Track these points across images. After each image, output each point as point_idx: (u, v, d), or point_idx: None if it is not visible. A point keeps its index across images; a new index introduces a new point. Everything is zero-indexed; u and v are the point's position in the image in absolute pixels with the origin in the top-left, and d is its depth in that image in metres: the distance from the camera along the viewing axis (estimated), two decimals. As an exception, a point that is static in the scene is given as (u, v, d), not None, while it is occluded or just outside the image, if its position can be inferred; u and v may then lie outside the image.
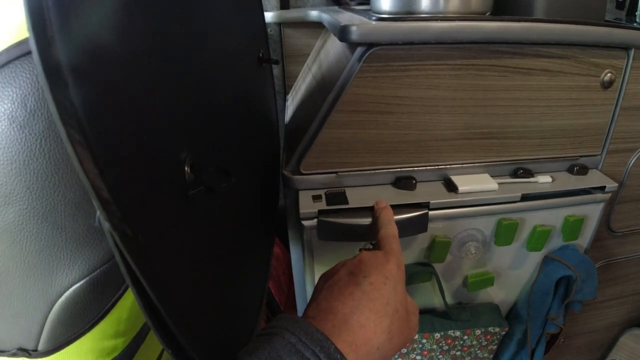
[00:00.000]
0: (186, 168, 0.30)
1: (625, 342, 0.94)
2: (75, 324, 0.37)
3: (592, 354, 0.96)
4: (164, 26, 0.30)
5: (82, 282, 0.35)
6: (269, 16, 0.82)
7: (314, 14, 0.75)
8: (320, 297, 0.37)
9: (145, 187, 0.25)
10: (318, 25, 0.82)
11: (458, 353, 0.67)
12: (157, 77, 0.28)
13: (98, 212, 0.22)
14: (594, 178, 0.63)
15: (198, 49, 0.39)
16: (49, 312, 0.35)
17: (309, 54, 0.84)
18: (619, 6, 1.06)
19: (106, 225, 0.22)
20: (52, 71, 0.18)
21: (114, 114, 0.23)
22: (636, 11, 0.90)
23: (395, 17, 0.55)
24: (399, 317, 0.36)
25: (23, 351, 0.37)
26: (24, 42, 0.28)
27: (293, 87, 0.88)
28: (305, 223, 0.55)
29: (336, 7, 0.80)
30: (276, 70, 0.88)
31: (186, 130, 0.32)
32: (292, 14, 0.83)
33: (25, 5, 0.18)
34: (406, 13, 0.60)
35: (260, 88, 0.67)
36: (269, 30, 0.85)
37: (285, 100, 0.88)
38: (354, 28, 0.49)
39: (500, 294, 0.69)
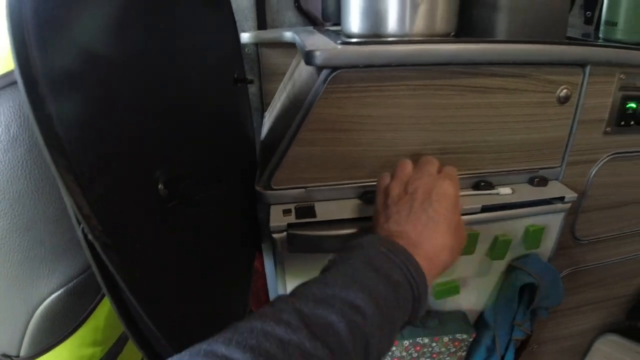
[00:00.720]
0: (160, 185, 0.33)
1: (599, 348, 0.96)
2: (55, 331, 0.40)
3: (567, 360, 0.99)
4: (140, 54, 0.34)
5: (60, 292, 0.38)
6: (246, 36, 0.85)
7: (288, 35, 0.78)
8: (391, 221, 0.45)
9: (124, 202, 0.28)
10: (293, 45, 0.85)
11: (428, 360, 0.69)
12: (134, 103, 0.32)
13: (81, 225, 0.25)
14: (554, 189, 0.67)
15: (174, 73, 0.42)
16: (30, 320, 0.38)
17: (285, 73, 0.87)
18: (587, 21, 1.10)
19: (89, 237, 0.25)
20: (37, 105, 0.22)
21: (94, 140, 0.26)
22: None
23: (360, 40, 0.58)
24: (458, 233, 0.45)
25: (6, 357, 0.40)
26: (9, 73, 0.31)
27: (270, 105, 0.92)
28: (276, 236, 0.58)
29: (311, 28, 0.84)
30: (254, 88, 0.91)
31: (161, 150, 0.35)
32: (268, 34, 0.86)
33: (10, 44, 0.21)
34: (373, 35, 0.63)
35: (236, 106, 0.70)
36: (246, 50, 0.88)
37: (262, 117, 0.91)
38: (317, 53, 0.53)
39: (469, 302, 0.72)
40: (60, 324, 0.40)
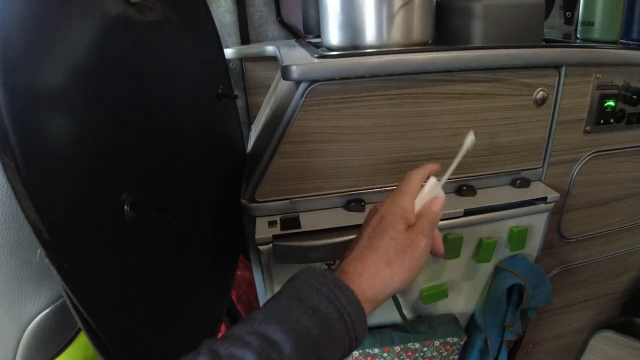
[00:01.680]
0: (126, 207, 0.34)
1: (595, 345, 0.96)
2: (46, 348, 0.40)
3: (564, 359, 0.99)
4: (109, 76, 0.34)
5: (48, 310, 0.39)
6: (230, 52, 0.87)
7: (270, 49, 0.80)
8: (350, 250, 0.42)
9: (86, 225, 0.29)
10: (276, 58, 0.87)
11: (420, 365, 0.69)
12: (100, 127, 0.32)
13: (39, 250, 0.25)
14: (537, 190, 0.67)
15: (146, 94, 0.43)
16: (20, 338, 0.38)
17: (270, 85, 0.89)
18: (568, 22, 1.12)
19: (45, 261, 0.25)
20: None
21: (54, 169, 0.26)
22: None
23: (336, 54, 0.60)
24: (407, 254, 0.39)
25: (0, 376, 0.41)
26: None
27: (256, 118, 0.93)
28: (262, 248, 0.59)
29: (293, 41, 0.85)
30: (240, 102, 0.93)
31: (129, 173, 0.36)
32: (251, 49, 0.88)
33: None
34: (352, 47, 0.65)
35: (221, 121, 0.71)
36: (230, 65, 0.90)
37: (250, 130, 0.93)
38: (294, 68, 0.54)
39: (459, 305, 0.72)
40: (51, 341, 0.41)
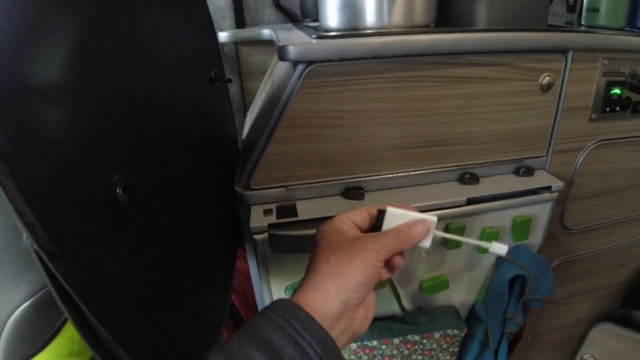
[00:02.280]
0: (118, 190, 0.31)
1: (594, 337, 0.96)
2: (29, 342, 0.38)
3: (563, 350, 0.98)
4: (94, 54, 0.32)
5: (28, 302, 0.37)
6: (224, 35, 0.84)
7: (266, 32, 0.77)
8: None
9: (75, 209, 0.27)
10: (273, 43, 0.84)
11: (419, 357, 0.68)
12: (89, 104, 0.30)
13: (24, 234, 0.23)
14: (541, 179, 0.66)
15: (138, 75, 0.40)
16: (1, 331, 0.37)
17: (266, 71, 0.86)
18: (570, 9, 1.10)
19: (33, 246, 0.23)
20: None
21: (37, 145, 0.24)
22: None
23: (335, 34, 0.57)
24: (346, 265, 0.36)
25: (-18, 371, 0.39)
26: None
27: (252, 104, 0.90)
28: (257, 237, 0.57)
29: (290, 25, 0.83)
30: (235, 87, 0.90)
31: (121, 153, 0.34)
32: (247, 33, 0.85)
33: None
34: (351, 29, 0.62)
35: (214, 106, 0.69)
36: (225, 49, 0.87)
37: (245, 117, 0.90)
38: (290, 47, 0.51)
39: (459, 297, 0.71)
40: (34, 335, 0.40)
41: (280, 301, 0.34)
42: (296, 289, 0.37)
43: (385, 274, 0.41)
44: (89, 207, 0.28)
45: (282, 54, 0.52)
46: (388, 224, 0.40)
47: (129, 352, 0.28)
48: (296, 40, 0.55)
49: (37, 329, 0.39)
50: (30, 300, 0.37)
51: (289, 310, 0.33)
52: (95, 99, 0.31)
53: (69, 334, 0.43)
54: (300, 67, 0.53)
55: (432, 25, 0.65)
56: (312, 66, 0.53)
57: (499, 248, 0.40)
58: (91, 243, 0.27)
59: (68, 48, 0.28)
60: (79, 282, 0.25)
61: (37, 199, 0.23)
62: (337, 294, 0.35)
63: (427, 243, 0.40)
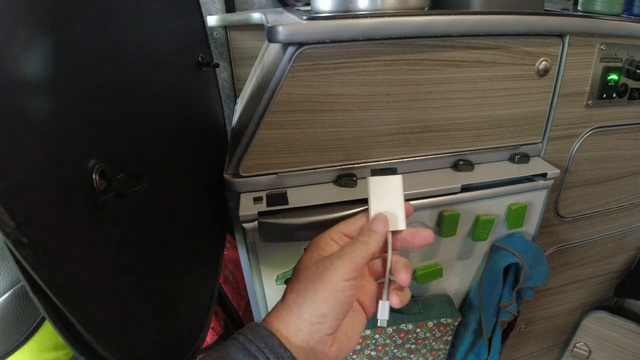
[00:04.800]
0: (94, 176, 0.29)
1: (587, 325, 0.96)
2: (11, 335, 0.37)
3: (556, 339, 0.98)
4: (70, 34, 0.30)
5: (7, 295, 0.36)
6: (213, 19, 0.81)
7: (256, 16, 0.75)
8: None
9: (46, 195, 0.25)
10: (263, 27, 0.82)
11: (413, 346, 0.67)
12: (60, 84, 0.28)
13: None
14: (536, 166, 0.64)
15: (115, 57, 0.38)
16: None
17: (256, 57, 0.84)
18: (566, -4, 1.08)
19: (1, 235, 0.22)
20: None
21: (3, 127, 0.22)
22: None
23: (327, 15, 0.55)
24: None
25: (-37, 367, 0.38)
26: None
27: (242, 90, 0.88)
28: (246, 225, 0.55)
29: (280, 9, 0.80)
30: (225, 73, 0.88)
31: (97, 138, 0.32)
32: (236, 17, 0.82)
33: None
34: (344, 11, 0.60)
35: (201, 91, 0.67)
36: (214, 34, 0.84)
37: (235, 103, 0.88)
38: (280, 28, 0.49)
39: (453, 285, 0.70)
40: (16, 328, 0.39)
41: (255, 326, 0.34)
42: (272, 309, 0.36)
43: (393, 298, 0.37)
44: (61, 193, 0.26)
45: (271, 35, 0.50)
46: (376, 198, 0.39)
47: (106, 347, 0.26)
48: (286, 22, 0.53)
49: (19, 322, 0.38)
50: (9, 293, 0.36)
51: (262, 339, 0.32)
52: (70, 80, 0.29)
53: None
54: (290, 50, 0.51)
55: (426, 8, 0.63)
56: (302, 48, 0.51)
57: (382, 312, 0.37)
58: (64, 232, 0.25)
59: (41, 28, 0.26)
60: (49, 274, 0.23)
61: (2, 184, 0.21)
62: (297, 327, 0.34)
63: (402, 225, 0.38)
